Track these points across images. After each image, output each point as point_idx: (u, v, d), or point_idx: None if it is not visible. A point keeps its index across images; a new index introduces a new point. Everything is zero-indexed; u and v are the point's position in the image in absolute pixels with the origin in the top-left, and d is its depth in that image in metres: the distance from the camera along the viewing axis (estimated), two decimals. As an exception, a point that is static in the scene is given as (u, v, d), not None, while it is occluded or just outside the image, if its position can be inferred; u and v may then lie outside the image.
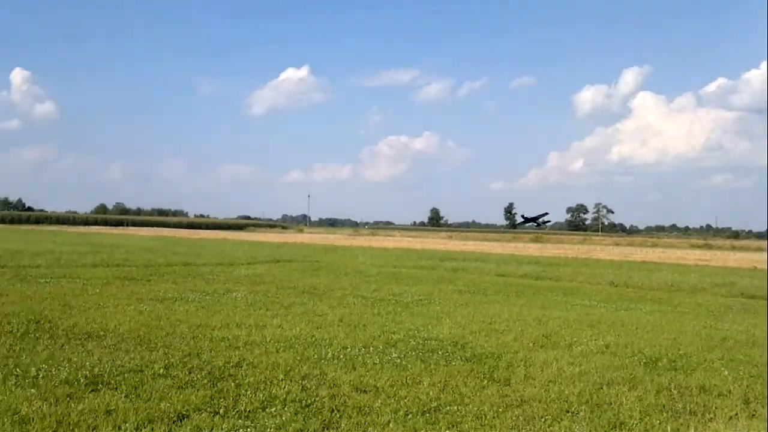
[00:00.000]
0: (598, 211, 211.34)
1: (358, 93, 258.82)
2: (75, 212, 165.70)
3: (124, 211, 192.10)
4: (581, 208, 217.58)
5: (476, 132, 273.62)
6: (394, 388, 7.77)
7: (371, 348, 10.08)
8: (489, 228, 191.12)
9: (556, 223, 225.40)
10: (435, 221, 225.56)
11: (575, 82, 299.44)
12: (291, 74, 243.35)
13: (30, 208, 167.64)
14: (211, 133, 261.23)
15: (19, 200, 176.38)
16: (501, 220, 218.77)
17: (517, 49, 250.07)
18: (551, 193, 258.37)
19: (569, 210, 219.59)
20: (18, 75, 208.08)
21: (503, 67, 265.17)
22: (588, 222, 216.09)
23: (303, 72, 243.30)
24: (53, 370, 7.90)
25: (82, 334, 10.39)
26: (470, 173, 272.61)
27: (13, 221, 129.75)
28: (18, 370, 7.87)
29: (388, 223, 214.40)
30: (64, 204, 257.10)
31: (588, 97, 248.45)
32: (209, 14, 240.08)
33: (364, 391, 7.62)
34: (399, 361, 9.27)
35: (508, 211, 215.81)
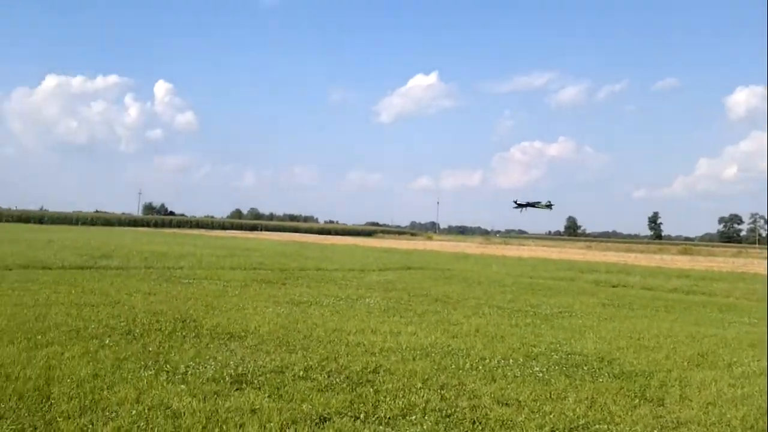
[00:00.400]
0: (754, 222, 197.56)
1: (489, 98, 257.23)
2: (212, 217, 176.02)
3: (258, 216, 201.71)
4: (735, 219, 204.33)
5: (616, 137, 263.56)
6: (538, 403, 7.59)
7: (510, 360, 9.91)
8: (632, 238, 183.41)
9: (706, 234, 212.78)
10: (572, 231, 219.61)
11: (726, 83, 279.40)
12: (420, 81, 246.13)
13: (172, 213, 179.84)
14: (340, 140, 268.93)
15: (162, 205, 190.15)
16: (645, 231, 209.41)
17: (660, 49, 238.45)
18: (700, 201, 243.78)
19: (721, 220, 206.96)
20: (161, 87, 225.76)
21: (645, 69, 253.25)
22: (743, 233, 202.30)
23: (432, 78, 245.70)
24: (200, 367, 8.38)
25: (224, 334, 10.96)
26: (610, 180, 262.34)
27: (157, 225, 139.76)
28: (168, 366, 8.41)
29: (521, 231, 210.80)
30: (202, 209, 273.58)
31: (742, 98, 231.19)
32: (339, 23, 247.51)
33: (506, 404, 7.50)
34: (541, 375, 9.05)
35: (653, 221, 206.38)
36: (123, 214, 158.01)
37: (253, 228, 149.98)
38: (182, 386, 7.45)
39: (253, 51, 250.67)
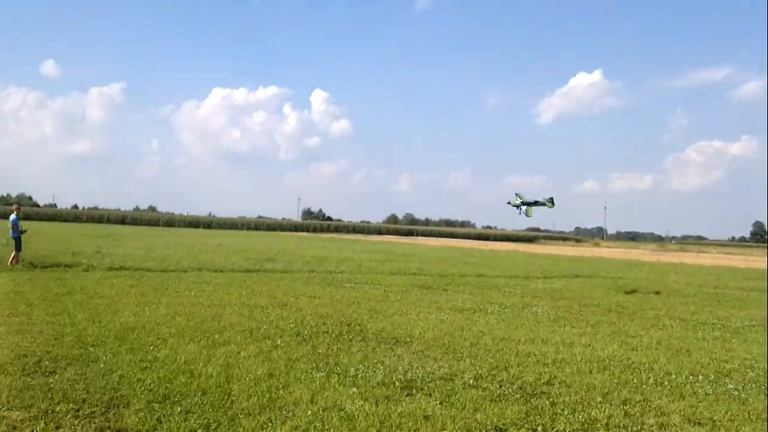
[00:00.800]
0: None
1: (660, 95, 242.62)
2: (368, 222, 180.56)
3: (413, 221, 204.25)
4: None
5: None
6: (735, 424, 7.07)
7: (700, 376, 9.32)
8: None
9: None
10: (759, 237, 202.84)
11: None
12: (582, 79, 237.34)
13: (329, 218, 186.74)
14: (497, 144, 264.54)
15: (320, 210, 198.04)
16: None
17: None
18: None
19: None
20: (318, 96, 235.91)
21: None
22: None
23: (595, 76, 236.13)
24: (369, 371, 8.62)
25: (390, 339, 11.20)
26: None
27: (315, 230, 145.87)
28: (338, 368, 8.73)
29: (700, 237, 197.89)
30: (358, 214, 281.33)
31: None
32: (494, 24, 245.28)
33: (699, 423, 7.05)
34: (737, 393, 8.43)
35: None
36: (283, 219, 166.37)
37: (409, 233, 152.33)
38: (353, 389, 7.69)
39: (406, 55, 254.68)
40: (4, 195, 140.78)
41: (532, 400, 7.61)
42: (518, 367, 9.41)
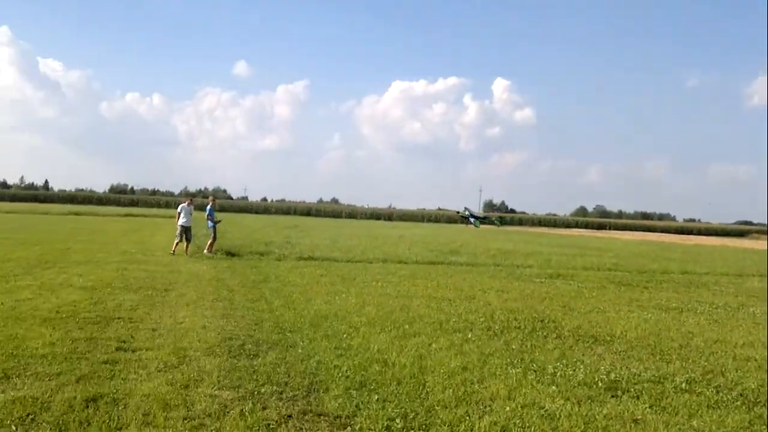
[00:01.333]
0: None
1: None
2: (555, 214, 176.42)
3: (605, 214, 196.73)
4: None
5: None
6: None
7: None
8: None
9: None
10: None
11: None
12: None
13: (513, 210, 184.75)
14: (700, 130, 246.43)
15: (503, 203, 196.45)
16: None
17: None
18: None
19: None
20: (499, 85, 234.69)
21: None
22: None
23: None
24: (568, 370, 8.44)
25: (587, 337, 10.90)
26: None
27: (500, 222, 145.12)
28: (534, 365, 8.63)
29: None
30: (544, 206, 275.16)
31: None
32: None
33: None
34: None
35: None
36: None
37: (600, 227, 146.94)
38: (552, 387, 7.58)
39: (592, 35, 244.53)
40: (202, 188, 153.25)
41: (755, 409, 7.11)
42: (736, 372, 8.81)
